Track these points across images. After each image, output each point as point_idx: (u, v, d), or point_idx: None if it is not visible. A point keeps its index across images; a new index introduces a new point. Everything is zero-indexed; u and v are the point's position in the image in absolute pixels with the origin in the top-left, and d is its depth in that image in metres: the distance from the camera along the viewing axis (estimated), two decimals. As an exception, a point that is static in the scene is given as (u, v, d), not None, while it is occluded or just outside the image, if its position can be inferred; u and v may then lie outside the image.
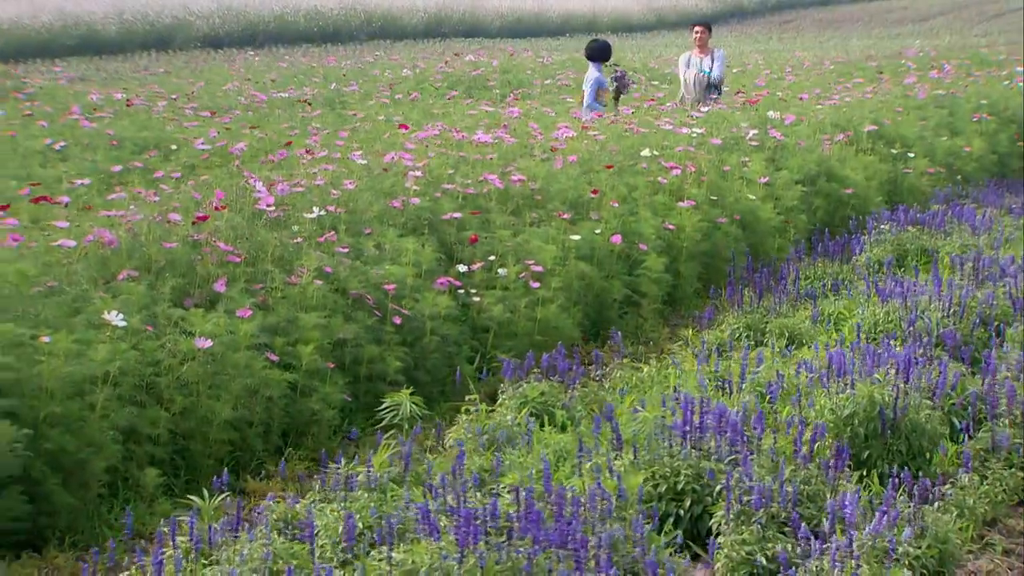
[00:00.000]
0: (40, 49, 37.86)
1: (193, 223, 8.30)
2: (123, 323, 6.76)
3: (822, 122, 15.60)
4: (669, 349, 9.95)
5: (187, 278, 7.89)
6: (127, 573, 5.48)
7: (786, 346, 8.98)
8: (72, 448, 6.33)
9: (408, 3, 52.10)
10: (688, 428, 6.28)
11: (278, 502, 6.03)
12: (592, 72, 16.07)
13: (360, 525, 5.85)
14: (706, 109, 15.08)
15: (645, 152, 12.03)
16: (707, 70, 16.45)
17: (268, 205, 8.93)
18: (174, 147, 11.87)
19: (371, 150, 11.22)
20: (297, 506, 6.06)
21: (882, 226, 12.26)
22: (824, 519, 5.69)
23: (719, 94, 16.68)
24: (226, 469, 6.43)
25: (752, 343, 9.35)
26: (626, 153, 12.25)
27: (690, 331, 9.91)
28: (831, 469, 5.88)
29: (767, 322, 9.57)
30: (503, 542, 5.25)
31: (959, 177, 16.32)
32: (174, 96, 20.26)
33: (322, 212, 8.99)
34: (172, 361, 7.11)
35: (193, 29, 44.29)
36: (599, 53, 16.06)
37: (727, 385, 7.75)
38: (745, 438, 6.18)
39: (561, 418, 7.62)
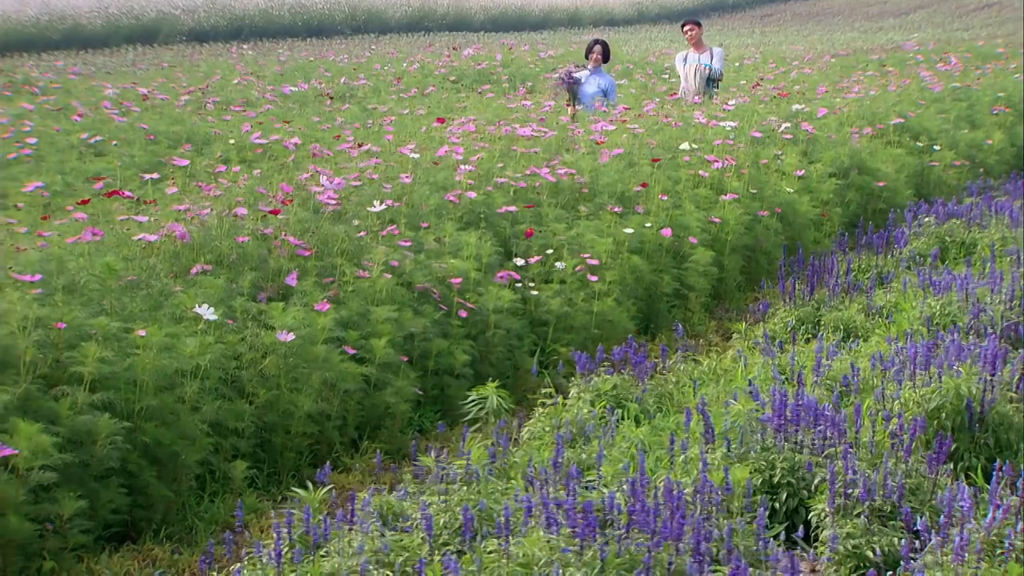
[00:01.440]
0: (25, 43, 37.79)
1: (262, 217, 8.30)
2: (213, 317, 6.76)
3: (847, 115, 15.63)
4: (718, 342, 10.00)
5: (259, 272, 7.89)
6: (240, 564, 5.48)
7: (842, 339, 9.01)
8: (167, 441, 6.36)
9: (393, -4, 52.31)
10: (782, 421, 6.30)
11: (377, 495, 6.03)
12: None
13: (461, 518, 5.85)
14: (733, 103, 15.06)
15: (684, 145, 12.04)
16: (707, 63, 16.27)
17: (329, 199, 8.93)
18: (232, 141, 11.83)
19: (421, 145, 11.21)
20: (393, 498, 6.06)
21: (926, 218, 12.30)
22: (926, 512, 5.73)
23: (717, 89, 16.56)
24: (328, 463, 6.42)
25: (807, 336, 9.39)
26: (665, 146, 12.28)
27: (743, 324, 9.92)
28: (933, 462, 5.90)
29: (820, 315, 9.60)
30: (622, 535, 5.27)
31: (981, 170, 16.37)
32: (189, 90, 20.21)
33: (383, 206, 8.99)
34: (254, 355, 7.12)
35: (178, 23, 44.30)
36: (585, 52, 16.01)
37: (798, 378, 7.75)
38: (842, 431, 6.19)
39: (634, 411, 7.63)
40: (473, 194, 9.78)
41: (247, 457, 6.97)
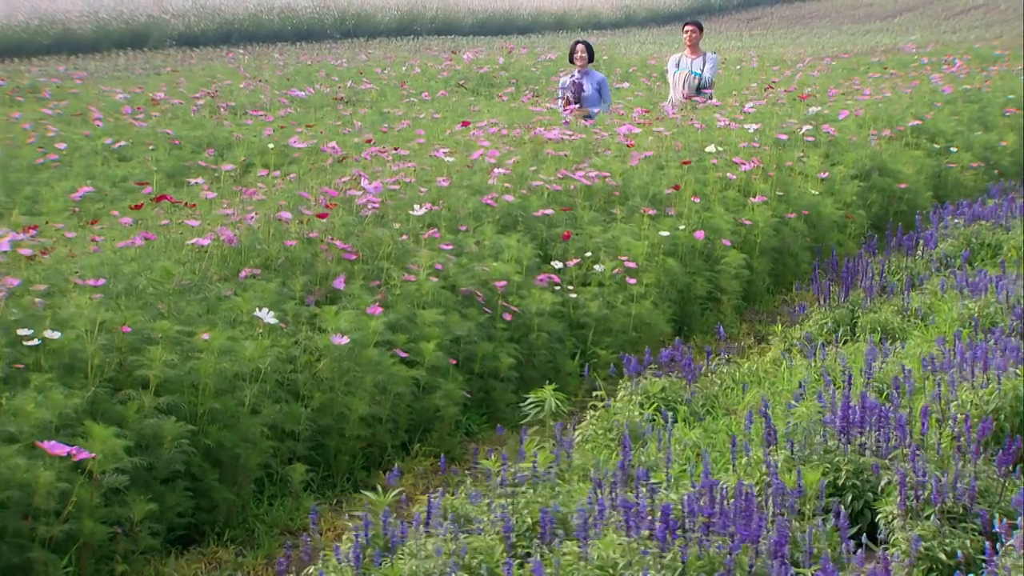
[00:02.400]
0: (16, 48, 37.84)
1: (307, 221, 8.30)
2: (273, 320, 6.75)
3: (866, 117, 15.65)
4: (751, 345, 10.00)
5: (306, 275, 7.88)
6: (315, 567, 5.47)
7: (879, 341, 9.01)
8: (229, 444, 6.36)
9: (381, 1, 52.21)
10: (845, 423, 6.30)
11: (448, 497, 6.04)
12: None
13: (529, 520, 5.86)
14: (751, 105, 15.01)
15: (710, 148, 12.04)
16: (697, 72, 15.91)
17: (370, 202, 8.92)
18: (271, 145, 11.79)
19: (451, 148, 11.21)
20: (457, 501, 6.06)
21: (954, 220, 12.32)
22: (996, 514, 5.72)
23: (709, 97, 16.29)
24: (395, 466, 6.41)
25: (844, 338, 9.39)
26: (689, 149, 12.29)
27: (779, 327, 9.92)
28: (1002, 463, 5.90)
29: (856, 317, 9.60)
30: (701, 537, 5.26)
31: (996, 171, 16.38)
32: (198, 94, 20.19)
33: (424, 210, 8.98)
34: (308, 358, 7.11)
35: (168, 28, 44.37)
36: (569, 55, 15.87)
37: (848, 380, 7.73)
38: (908, 433, 6.20)
39: (684, 413, 7.64)
40: (510, 197, 9.78)
41: (302, 460, 6.96)
